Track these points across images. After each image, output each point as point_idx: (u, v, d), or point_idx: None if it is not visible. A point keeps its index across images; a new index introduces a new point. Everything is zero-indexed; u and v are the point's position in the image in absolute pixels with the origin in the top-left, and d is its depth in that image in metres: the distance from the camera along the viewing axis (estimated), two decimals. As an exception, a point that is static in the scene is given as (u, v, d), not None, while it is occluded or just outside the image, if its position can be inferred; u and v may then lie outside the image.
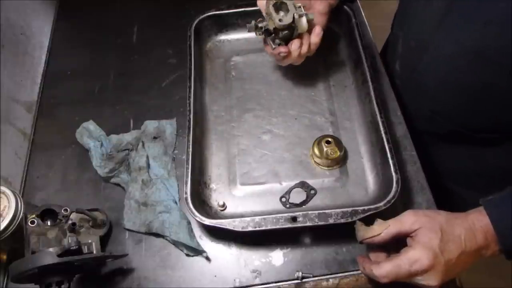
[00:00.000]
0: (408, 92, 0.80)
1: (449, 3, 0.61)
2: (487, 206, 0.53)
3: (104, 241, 0.68)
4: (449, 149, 0.81)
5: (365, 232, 0.56)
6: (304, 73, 0.82)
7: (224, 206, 0.68)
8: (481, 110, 0.67)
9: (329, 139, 0.69)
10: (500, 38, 0.55)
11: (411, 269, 0.51)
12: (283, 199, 0.69)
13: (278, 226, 0.60)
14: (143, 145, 0.76)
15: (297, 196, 0.69)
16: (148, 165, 0.74)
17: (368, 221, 0.58)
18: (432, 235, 0.51)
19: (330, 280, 0.64)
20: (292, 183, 0.70)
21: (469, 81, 0.64)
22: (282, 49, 0.69)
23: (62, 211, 0.63)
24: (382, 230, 0.54)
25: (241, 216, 0.65)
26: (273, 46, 0.70)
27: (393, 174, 0.63)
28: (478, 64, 0.60)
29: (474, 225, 0.52)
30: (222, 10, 0.85)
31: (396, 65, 0.82)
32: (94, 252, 0.62)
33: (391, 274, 0.52)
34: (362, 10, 0.92)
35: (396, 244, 0.55)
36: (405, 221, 0.54)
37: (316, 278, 0.64)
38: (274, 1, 0.66)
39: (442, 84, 0.69)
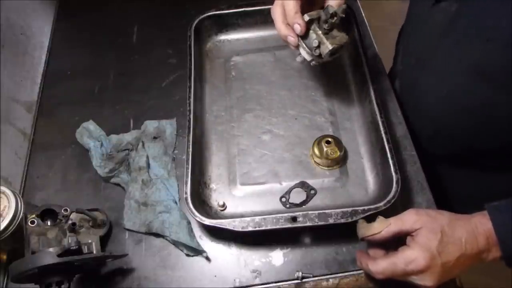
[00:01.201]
0: (409, 111, 0.78)
1: (451, 17, 0.60)
2: (491, 211, 0.52)
3: (104, 241, 0.68)
4: (453, 172, 0.79)
5: (365, 230, 0.57)
6: (304, 73, 0.82)
7: (224, 206, 0.68)
8: (485, 132, 0.66)
9: (329, 139, 0.69)
10: (503, 57, 0.54)
11: (406, 268, 0.51)
12: (283, 199, 0.69)
13: (278, 226, 0.60)
14: (143, 145, 0.76)
15: (297, 196, 0.69)
16: (148, 165, 0.74)
17: (370, 219, 0.58)
18: (432, 236, 0.51)
19: (330, 280, 0.64)
20: (292, 183, 0.70)
21: (471, 101, 0.63)
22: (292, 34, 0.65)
23: (62, 211, 0.63)
24: (383, 228, 0.54)
25: (241, 216, 0.65)
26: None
27: (393, 174, 0.63)
28: (481, 84, 0.59)
29: (477, 229, 0.52)
30: (222, 10, 0.85)
31: (396, 83, 0.81)
32: (94, 252, 0.62)
33: (386, 271, 0.53)
34: (362, 10, 0.92)
35: (396, 242, 0.55)
36: (406, 220, 0.54)
37: (316, 278, 0.64)
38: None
39: (443, 103, 0.68)
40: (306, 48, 0.65)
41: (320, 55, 0.64)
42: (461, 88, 0.63)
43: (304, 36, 0.64)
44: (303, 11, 0.63)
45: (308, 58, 0.66)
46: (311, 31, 0.64)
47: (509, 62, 0.54)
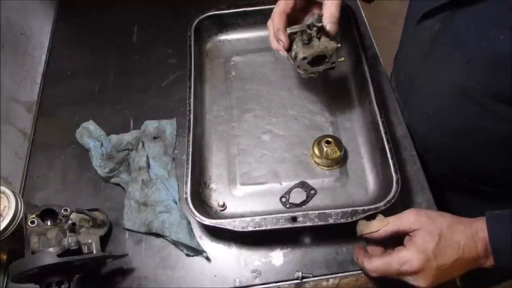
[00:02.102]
0: None
1: (434, 38, 0.60)
2: (489, 219, 0.52)
3: (104, 241, 0.68)
4: (449, 195, 0.79)
5: (364, 227, 0.57)
6: (304, 73, 0.82)
7: (224, 206, 0.68)
8: (470, 154, 0.66)
9: (329, 139, 0.69)
10: (483, 78, 0.54)
11: (400, 269, 0.51)
12: (283, 199, 0.69)
13: (278, 226, 0.60)
14: (143, 145, 0.76)
15: (297, 196, 0.69)
16: (148, 165, 0.74)
17: (370, 217, 0.58)
18: (429, 238, 0.51)
19: (330, 280, 0.64)
20: (292, 183, 0.70)
21: (454, 121, 0.63)
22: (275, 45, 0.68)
23: (62, 211, 0.63)
24: (381, 226, 0.55)
25: (241, 216, 0.65)
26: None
27: (393, 174, 0.63)
28: (462, 104, 0.59)
29: (477, 234, 0.51)
30: (222, 10, 0.85)
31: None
32: (94, 252, 0.62)
33: (381, 269, 0.53)
34: (362, 10, 0.92)
35: (396, 240, 0.56)
36: (405, 220, 0.54)
37: (316, 278, 0.64)
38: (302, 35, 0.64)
39: (430, 122, 0.68)
40: (291, 60, 0.67)
41: (299, 66, 0.66)
42: (446, 108, 0.63)
43: (289, 49, 0.66)
44: (296, 22, 0.65)
45: (297, 70, 0.68)
46: (293, 43, 0.66)
47: (489, 85, 0.54)
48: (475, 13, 0.53)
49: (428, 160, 0.74)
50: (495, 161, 0.65)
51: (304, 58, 0.64)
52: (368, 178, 0.70)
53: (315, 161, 0.71)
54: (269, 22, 0.68)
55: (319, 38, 0.64)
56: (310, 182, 0.70)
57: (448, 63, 0.59)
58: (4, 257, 0.66)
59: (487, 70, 0.53)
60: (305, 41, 0.64)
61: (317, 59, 0.65)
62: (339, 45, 0.64)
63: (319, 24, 0.62)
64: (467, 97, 0.58)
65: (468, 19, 0.54)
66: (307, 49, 0.64)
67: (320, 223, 0.60)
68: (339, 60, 0.67)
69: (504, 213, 0.52)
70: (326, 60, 0.65)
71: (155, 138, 0.77)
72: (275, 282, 0.64)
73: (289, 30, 0.64)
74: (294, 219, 0.60)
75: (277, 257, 0.66)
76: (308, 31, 0.63)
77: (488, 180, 0.69)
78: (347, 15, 0.80)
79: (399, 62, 0.76)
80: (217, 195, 0.70)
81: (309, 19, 0.66)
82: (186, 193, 0.64)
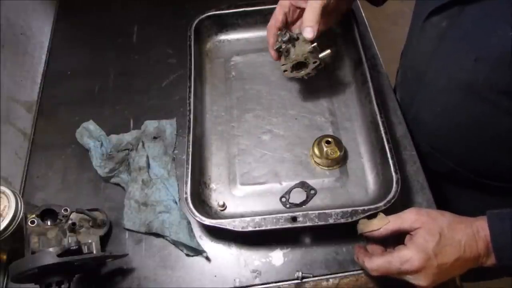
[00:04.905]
0: (407, 124, 0.77)
1: (441, 35, 0.60)
2: (490, 217, 0.52)
3: (104, 241, 0.68)
4: (453, 191, 0.79)
5: (364, 226, 0.57)
6: (304, 73, 0.82)
7: (224, 206, 0.68)
8: (478, 149, 0.66)
9: (329, 139, 0.69)
10: (492, 75, 0.54)
11: (401, 268, 0.51)
12: (283, 199, 0.69)
13: (278, 226, 0.60)
14: (143, 145, 0.76)
15: (297, 196, 0.69)
16: (148, 165, 0.74)
17: (370, 216, 0.58)
18: (429, 237, 0.51)
19: (330, 280, 0.64)
20: (292, 183, 0.70)
21: (463, 117, 0.63)
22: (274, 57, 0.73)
23: (62, 211, 0.63)
24: (382, 225, 0.55)
25: (241, 216, 0.65)
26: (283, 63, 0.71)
27: (393, 174, 0.63)
28: (470, 101, 0.59)
29: (478, 233, 0.51)
30: (222, 10, 0.85)
31: (396, 94, 0.82)
32: (94, 252, 0.62)
33: (381, 268, 0.53)
34: (362, 10, 0.92)
35: (396, 239, 0.56)
36: (406, 219, 0.54)
37: (316, 278, 0.64)
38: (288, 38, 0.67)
39: (438, 119, 0.68)
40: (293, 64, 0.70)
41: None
42: (453, 104, 0.63)
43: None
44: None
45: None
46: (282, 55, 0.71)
47: (498, 82, 0.54)
48: (483, 10, 0.53)
49: (435, 155, 0.74)
50: (503, 157, 0.65)
51: (285, 71, 0.70)
52: (368, 178, 0.70)
53: (315, 161, 0.71)
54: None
55: (294, 46, 0.68)
56: (310, 182, 0.70)
57: (456, 60, 0.59)
58: (4, 257, 0.66)
59: (496, 67, 0.53)
60: (285, 54, 0.69)
61: (300, 64, 0.69)
62: (315, 44, 0.67)
63: (285, 38, 0.67)
64: (475, 93, 0.58)
65: (476, 16, 0.54)
66: (286, 60, 0.69)
67: (320, 223, 0.60)
68: (321, 56, 0.69)
69: (505, 212, 0.52)
70: (306, 61, 0.69)
71: (155, 138, 0.77)
72: (275, 282, 0.64)
73: (275, 45, 0.70)
74: (294, 219, 0.60)
75: (277, 257, 0.66)
76: (283, 45, 0.68)
77: (495, 175, 0.69)
78: (347, 15, 0.80)
79: (406, 59, 0.76)
80: (217, 195, 0.70)
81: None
82: (186, 193, 0.64)
